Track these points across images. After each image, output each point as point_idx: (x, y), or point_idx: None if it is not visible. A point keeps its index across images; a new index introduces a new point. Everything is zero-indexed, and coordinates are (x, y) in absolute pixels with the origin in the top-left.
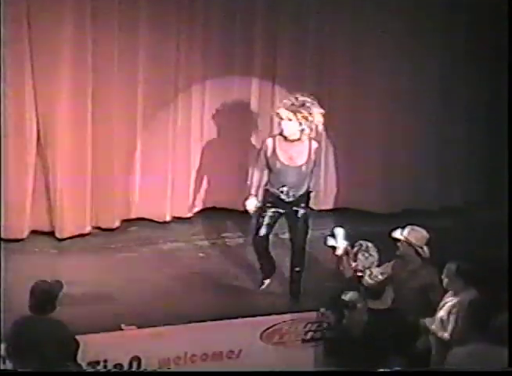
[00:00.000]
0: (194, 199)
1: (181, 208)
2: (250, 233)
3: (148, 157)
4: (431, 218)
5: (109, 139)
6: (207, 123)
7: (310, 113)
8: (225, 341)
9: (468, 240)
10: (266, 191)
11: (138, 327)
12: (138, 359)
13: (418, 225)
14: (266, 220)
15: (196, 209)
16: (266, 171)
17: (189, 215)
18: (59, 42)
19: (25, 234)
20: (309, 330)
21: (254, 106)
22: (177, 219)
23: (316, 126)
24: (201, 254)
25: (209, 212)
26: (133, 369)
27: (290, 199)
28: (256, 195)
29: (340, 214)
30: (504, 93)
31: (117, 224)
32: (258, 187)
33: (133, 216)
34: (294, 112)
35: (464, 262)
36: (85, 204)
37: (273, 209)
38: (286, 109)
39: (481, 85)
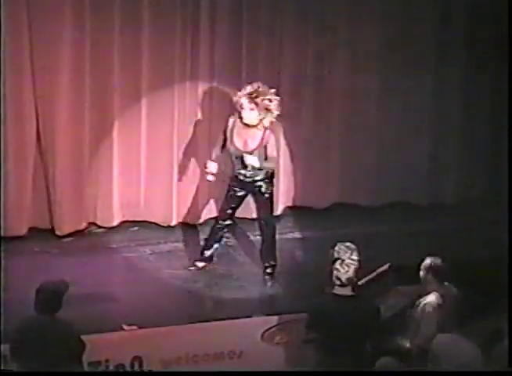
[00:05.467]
0: (203, 207)
1: (188, 215)
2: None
3: (151, 159)
4: (426, 215)
5: (109, 136)
6: (214, 133)
7: (270, 103)
8: (227, 341)
9: (468, 240)
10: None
11: (140, 327)
12: (140, 360)
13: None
14: (230, 201)
15: (206, 218)
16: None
17: (199, 222)
18: (59, 41)
19: (24, 231)
20: None
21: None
22: (182, 225)
23: (274, 115)
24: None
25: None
26: (135, 369)
27: (248, 180)
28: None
29: (332, 209)
30: (504, 90)
31: (115, 223)
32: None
33: (137, 219)
34: (257, 102)
35: (440, 260)
36: (85, 201)
37: (238, 190)
38: (249, 98)
39: (481, 82)
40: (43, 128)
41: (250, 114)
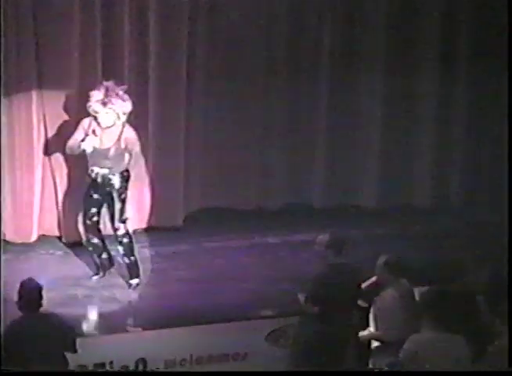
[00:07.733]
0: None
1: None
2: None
3: (158, 162)
4: (428, 217)
5: None
6: (210, 127)
7: (123, 102)
8: (231, 343)
9: (468, 240)
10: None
11: (144, 329)
12: (144, 361)
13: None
14: (90, 205)
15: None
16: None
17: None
18: (67, 43)
19: (33, 238)
20: None
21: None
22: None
23: (127, 111)
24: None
25: (212, 214)
26: (139, 370)
27: (99, 180)
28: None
29: (333, 210)
30: (504, 93)
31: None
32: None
33: (144, 226)
34: (110, 106)
35: (394, 256)
36: None
37: (93, 192)
38: (102, 104)
39: (481, 85)
40: (51, 133)
41: (106, 117)
